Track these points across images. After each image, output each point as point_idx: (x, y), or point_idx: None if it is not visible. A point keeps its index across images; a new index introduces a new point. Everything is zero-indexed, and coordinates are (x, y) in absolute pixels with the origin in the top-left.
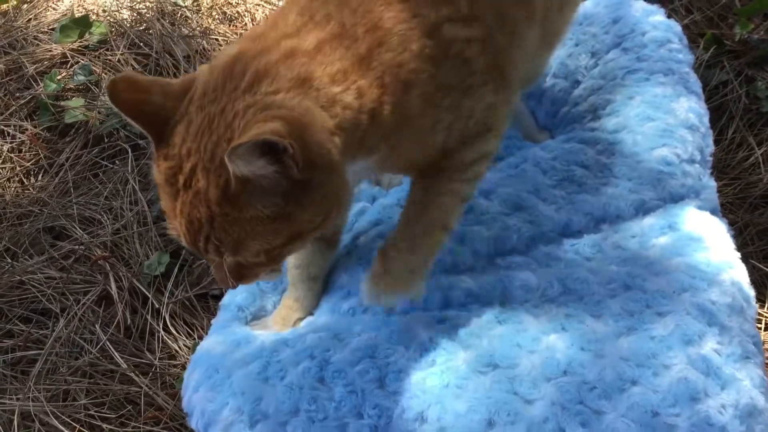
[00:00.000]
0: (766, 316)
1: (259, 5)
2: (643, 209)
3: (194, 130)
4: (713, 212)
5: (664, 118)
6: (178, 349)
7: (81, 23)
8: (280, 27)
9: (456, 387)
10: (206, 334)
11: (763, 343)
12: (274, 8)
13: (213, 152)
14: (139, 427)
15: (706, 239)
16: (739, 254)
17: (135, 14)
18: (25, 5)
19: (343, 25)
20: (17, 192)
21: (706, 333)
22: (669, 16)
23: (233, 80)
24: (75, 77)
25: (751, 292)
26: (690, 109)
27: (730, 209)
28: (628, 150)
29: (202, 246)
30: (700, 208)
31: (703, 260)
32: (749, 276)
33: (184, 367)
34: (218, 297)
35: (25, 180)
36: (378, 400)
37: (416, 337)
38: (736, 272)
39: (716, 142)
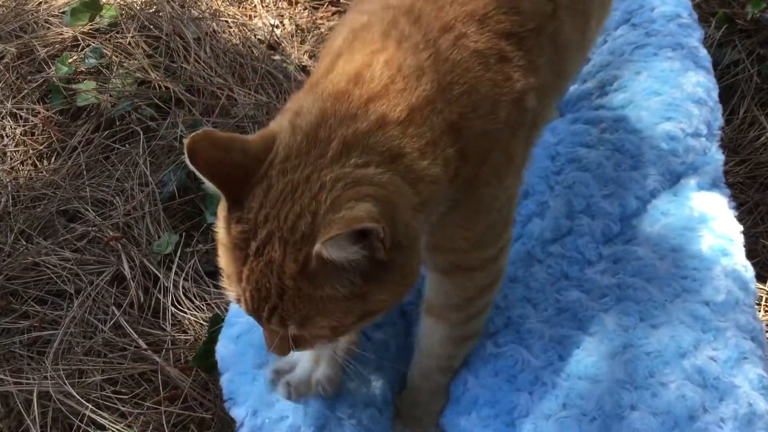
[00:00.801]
0: None
1: None
2: (644, 198)
3: (274, 196)
4: (714, 185)
5: (670, 93)
6: (190, 324)
7: (91, 6)
8: (365, 83)
9: None
10: (217, 309)
11: None
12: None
13: (294, 223)
14: (155, 407)
15: (701, 225)
16: (740, 228)
17: None
18: None
19: (438, 85)
20: (30, 175)
21: (700, 341)
22: None
23: (318, 147)
24: (86, 60)
25: (749, 275)
26: (698, 83)
27: (740, 189)
28: (632, 126)
29: (265, 315)
30: (698, 184)
31: (696, 254)
32: (759, 256)
33: (196, 341)
34: None
35: (38, 163)
36: None
37: None
38: (730, 260)
39: (727, 121)
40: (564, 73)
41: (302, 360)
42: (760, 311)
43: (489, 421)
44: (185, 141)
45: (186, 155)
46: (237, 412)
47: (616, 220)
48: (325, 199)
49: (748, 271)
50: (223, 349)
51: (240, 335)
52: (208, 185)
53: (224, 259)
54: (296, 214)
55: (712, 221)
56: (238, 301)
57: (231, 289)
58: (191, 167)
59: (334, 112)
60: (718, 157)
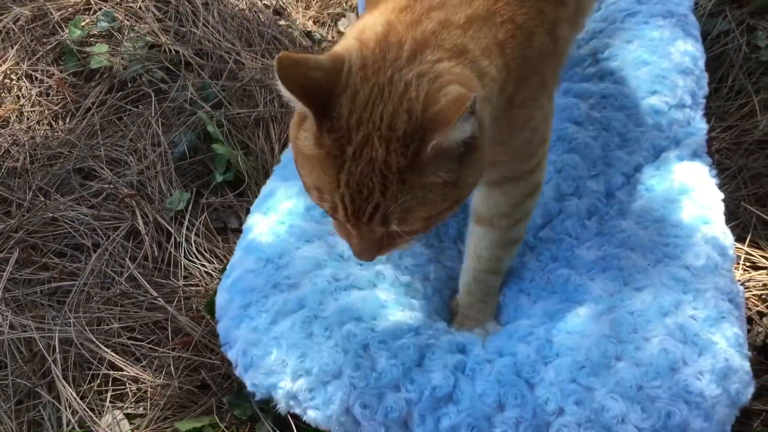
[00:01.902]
0: (753, 256)
1: None
2: (628, 174)
3: (362, 100)
4: (695, 155)
5: (658, 63)
6: (201, 275)
7: None
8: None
9: (473, 372)
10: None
11: (748, 284)
12: None
13: (391, 122)
14: (168, 352)
15: (682, 196)
16: (721, 196)
17: None
18: None
19: (487, 10)
20: (47, 134)
21: (681, 301)
22: None
23: (392, 51)
24: (98, 24)
25: (728, 241)
26: (685, 52)
27: (726, 154)
28: (619, 103)
29: (367, 215)
30: (679, 157)
31: (677, 223)
32: (740, 218)
33: (207, 291)
34: (236, 230)
35: (53, 123)
36: (416, 376)
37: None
38: (710, 228)
39: (716, 89)
40: (581, 11)
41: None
42: (739, 270)
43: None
44: (275, 65)
45: (278, 80)
46: (231, 354)
47: (602, 197)
48: (416, 96)
49: (727, 237)
50: (219, 298)
51: (232, 284)
52: (295, 104)
53: (314, 173)
54: (390, 113)
55: (693, 192)
56: (334, 210)
57: (325, 200)
58: (283, 90)
59: (399, 21)
60: (701, 126)
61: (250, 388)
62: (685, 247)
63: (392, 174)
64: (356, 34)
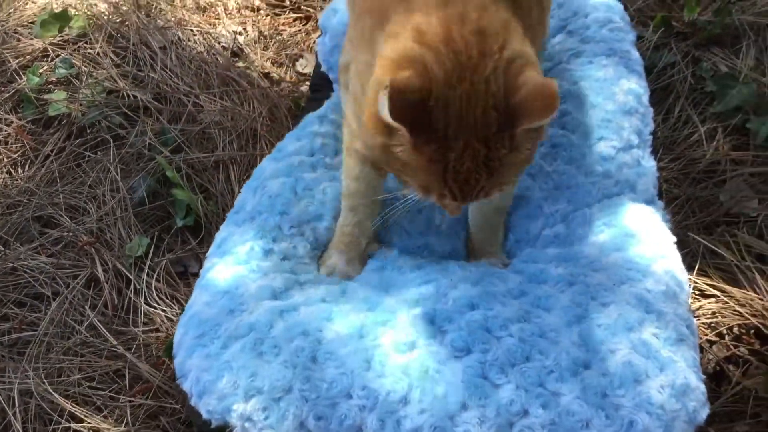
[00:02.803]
0: (698, 283)
1: None
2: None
3: (455, 111)
4: (648, 201)
5: (603, 105)
6: (161, 321)
7: (60, 18)
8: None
9: (435, 371)
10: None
11: (698, 312)
12: (245, 0)
13: (484, 122)
14: (129, 400)
15: (641, 234)
16: (674, 239)
17: (112, 7)
18: (5, 0)
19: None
20: (6, 183)
21: (644, 320)
22: (623, 2)
23: (463, 53)
24: (56, 70)
25: (684, 277)
26: (629, 91)
27: (675, 183)
28: (568, 154)
29: (474, 196)
30: (634, 200)
31: (637, 254)
32: (689, 248)
33: (168, 336)
34: (197, 274)
35: (12, 171)
36: (366, 381)
37: (399, 320)
38: (668, 262)
39: (663, 120)
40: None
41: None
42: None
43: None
44: (389, 95)
45: (388, 111)
46: (186, 385)
47: (562, 223)
48: (497, 90)
49: (683, 274)
50: (176, 336)
51: (188, 319)
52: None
53: (417, 175)
54: (481, 114)
55: (646, 234)
56: (442, 198)
57: (432, 193)
58: (387, 118)
59: (450, 17)
60: (650, 164)
61: (205, 416)
62: (646, 273)
63: (495, 162)
64: (415, 37)
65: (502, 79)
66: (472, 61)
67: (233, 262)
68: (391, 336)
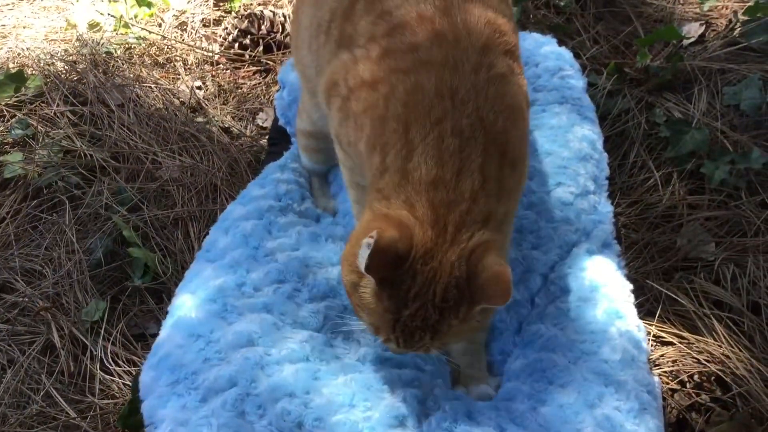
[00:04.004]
0: (658, 330)
1: (190, 50)
2: (545, 274)
3: (421, 281)
4: (605, 246)
5: (559, 152)
6: (119, 387)
7: (16, 78)
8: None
9: None
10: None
11: (658, 360)
12: (205, 54)
13: (444, 296)
14: None
15: (596, 294)
16: (630, 287)
17: (69, 66)
18: None
19: (485, 151)
20: None
21: (604, 394)
22: (572, 48)
23: (441, 236)
24: (12, 132)
25: (641, 335)
26: (583, 137)
27: (633, 228)
28: (527, 200)
29: (414, 348)
30: (589, 251)
31: (592, 320)
32: (647, 294)
33: (124, 403)
34: (155, 335)
35: None
36: None
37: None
38: (623, 322)
39: (619, 166)
40: None
41: None
42: (649, 346)
43: None
44: (369, 255)
45: (366, 266)
46: None
47: (526, 304)
48: (460, 274)
49: (640, 330)
50: (144, 377)
51: (159, 361)
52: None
53: (372, 316)
54: (442, 289)
55: (604, 287)
56: (387, 340)
57: (381, 334)
58: (362, 268)
59: (441, 201)
60: (607, 209)
61: None
62: (601, 343)
63: (444, 328)
64: (408, 209)
65: (464, 266)
66: (445, 245)
67: (205, 298)
68: (378, 413)
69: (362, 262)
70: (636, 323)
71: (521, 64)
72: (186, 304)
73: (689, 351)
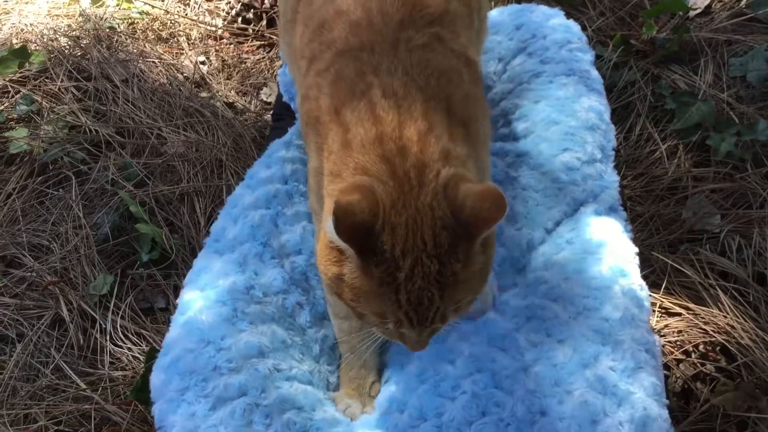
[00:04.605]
0: (664, 301)
1: (194, 25)
2: (549, 228)
3: (401, 233)
4: (611, 210)
5: (566, 121)
6: (128, 360)
7: (20, 54)
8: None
9: None
10: (154, 343)
11: (664, 331)
12: (208, 29)
13: (435, 241)
14: None
15: (602, 249)
16: (636, 250)
17: (72, 41)
18: None
19: (427, 86)
20: None
21: (600, 353)
22: (579, 20)
23: (405, 183)
24: (17, 108)
25: (644, 294)
26: (590, 108)
27: (638, 201)
28: (534, 161)
29: (429, 320)
30: (596, 211)
31: (596, 275)
32: (653, 265)
33: (135, 375)
34: (163, 310)
35: None
36: None
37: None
38: (627, 280)
39: (625, 138)
40: (482, 25)
41: (346, 399)
42: (654, 317)
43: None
44: (334, 216)
45: (335, 230)
46: None
47: (524, 252)
48: (443, 214)
49: (643, 290)
50: (154, 378)
51: (170, 364)
52: (339, 244)
53: (370, 302)
54: (431, 235)
55: (609, 245)
56: (398, 324)
57: (387, 321)
58: (334, 237)
59: (390, 152)
60: (613, 178)
61: None
62: (603, 300)
63: (449, 278)
64: (361, 172)
65: (444, 203)
66: (415, 191)
67: (214, 299)
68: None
69: (333, 233)
70: (639, 282)
71: (462, 29)
72: (196, 304)
73: (695, 322)
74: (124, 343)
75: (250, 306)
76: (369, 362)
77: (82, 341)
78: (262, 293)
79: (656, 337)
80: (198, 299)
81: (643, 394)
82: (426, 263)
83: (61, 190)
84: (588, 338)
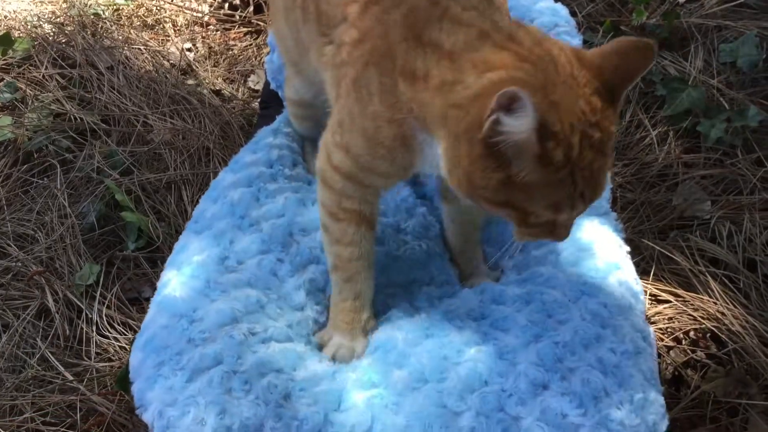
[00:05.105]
0: (654, 288)
1: (179, 11)
2: None
3: (565, 109)
4: (602, 214)
5: None
6: (115, 350)
7: (3, 41)
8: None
9: (394, 405)
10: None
11: (654, 318)
12: (194, 15)
13: (591, 110)
14: None
15: (595, 247)
16: (627, 249)
17: (56, 28)
18: None
19: None
20: None
21: (601, 335)
22: (569, 6)
23: (539, 65)
24: (1, 95)
25: (639, 287)
26: None
27: (628, 188)
28: None
29: (597, 193)
30: (588, 215)
31: (592, 267)
32: (642, 253)
33: (121, 366)
34: (150, 299)
35: None
36: (335, 418)
37: (358, 362)
38: (622, 273)
39: None
40: None
41: (337, 336)
42: (646, 301)
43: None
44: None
45: (526, 113)
46: (146, 417)
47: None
48: (588, 80)
49: (638, 284)
50: (133, 359)
51: (146, 343)
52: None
53: (547, 194)
54: (586, 103)
55: (601, 244)
56: (573, 207)
57: (563, 209)
58: (518, 128)
59: (501, 42)
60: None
61: None
62: (601, 287)
63: (607, 144)
64: (487, 68)
65: (583, 71)
66: (551, 68)
67: (189, 274)
68: (356, 375)
69: (522, 125)
70: (634, 276)
71: None
72: (171, 281)
73: (685, 308)
74: (111, 333)
75: (223, 276)
76: (365, 294)
77: (68, 332)
78: (237, 261)
79: (651, 328)
80: (173, 278)
81: (642, 377)
82: (590, 133)
83: (46, 179)
84: (588, 321)
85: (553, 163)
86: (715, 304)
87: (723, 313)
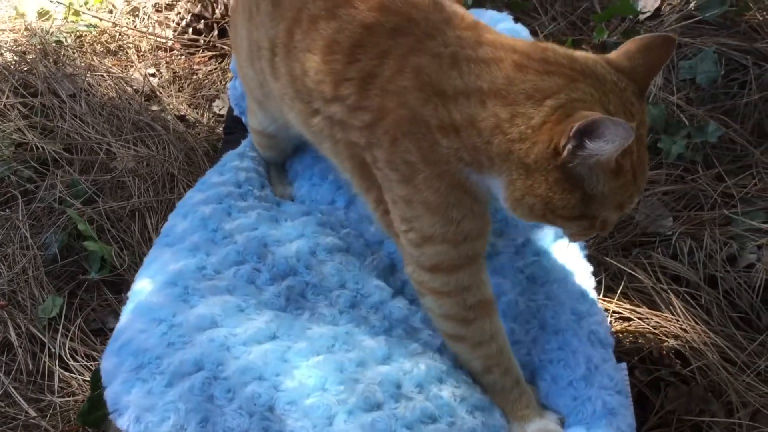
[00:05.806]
0: (617, 304)
1: (143, 37)
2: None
3: (620, 116)
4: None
5: None
6: (78, 384)
7: None
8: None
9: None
10: None
11: (619, 336)
12: (158, 40)
13: (632, 110)
14: None
15: (564, 271)
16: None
17: (18, 56)
18: None
19: None
20: None
21: (590, 311)
22: (530, 26)
23: (580, 79)
24: None
25: (606, 336)
26: None
27: None
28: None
29: (641, 192)
30: (556, 233)
31: (569, 273)
32: (607, 271)
33: (84, 399)
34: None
35: None
36: None
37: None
38: (590, 320)
39: None
40: None
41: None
42: (610, 319)
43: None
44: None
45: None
46: (121, 422)
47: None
48: (623, 80)
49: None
50: (105, 363)
51: (121, 347)
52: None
53: (617, 197)
54: (631, 104)
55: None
56: (632, 201)
57: (626, 203)
58: (606, 150)
59: (536, 66)
60: None
61: None
62: (582, 288)
63: (645, 138)
64: (533, 88)
65: (618, 75)
66: (588, 80)
67: (165, 282)
68: (354, 395)
69: (609, 148)
70: (606, 327)
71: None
72: (146, 289)
73: (648, 326)
74: (74, 366)
75: (201, 283)
76: (519, 372)
77: (31, 366)
78: (214, 271)
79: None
80: (148, 285)
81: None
82: (640, 133)
83: (7, 209)
84: (580, 303)
85: (624, 171)
86: (678, 321)
87: (686, 330)
